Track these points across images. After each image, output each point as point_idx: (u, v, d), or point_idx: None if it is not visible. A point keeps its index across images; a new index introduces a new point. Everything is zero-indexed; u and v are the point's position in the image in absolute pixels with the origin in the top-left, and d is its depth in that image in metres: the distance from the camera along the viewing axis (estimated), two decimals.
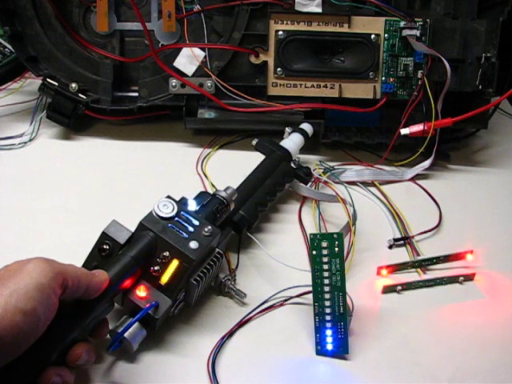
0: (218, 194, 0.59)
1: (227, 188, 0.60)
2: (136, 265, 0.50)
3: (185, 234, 0.53)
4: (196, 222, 0.54)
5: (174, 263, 0.51)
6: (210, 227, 0.54)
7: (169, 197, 0.55)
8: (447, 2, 0.75)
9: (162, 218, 0.53)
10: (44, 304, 0.42)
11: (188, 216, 0.54)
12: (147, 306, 0.50)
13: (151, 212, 0.53)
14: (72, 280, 0.44)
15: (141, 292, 0.51)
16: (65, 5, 0.80)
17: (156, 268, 0.51)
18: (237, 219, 0.62)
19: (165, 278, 0.51)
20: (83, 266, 0.51)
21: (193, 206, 0.57)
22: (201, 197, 0.60)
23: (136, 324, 0.50)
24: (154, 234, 0.52)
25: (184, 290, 0.53)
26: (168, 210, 0.54)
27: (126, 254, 0.50)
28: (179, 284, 0.51)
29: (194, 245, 0.52)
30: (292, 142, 0.74)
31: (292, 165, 0.72)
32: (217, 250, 0.56)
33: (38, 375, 0.43)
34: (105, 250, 0.51)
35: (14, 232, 0.66)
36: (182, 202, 0.57)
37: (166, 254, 0.51)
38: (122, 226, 0.53)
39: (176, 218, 0.54)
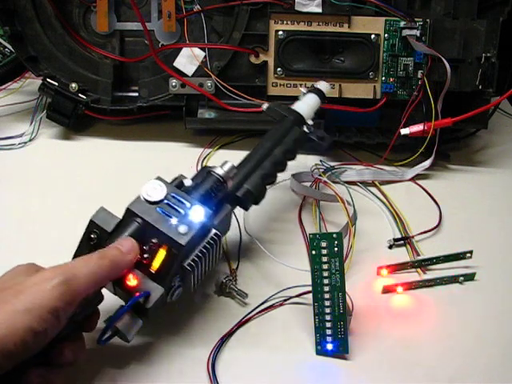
0: (213, 172, 0.56)
1: (224, 164, 0.56)
2: None
3: (174, 218, 0.50)
4: (187, 204, 0.51)
5: (163, 249, 0.49)
6: (200, 209, 0.51)
7: (159, 178, 0.52)
8: (447, 2, 0.75)
9: (150, 202, 0.50)
10: (55, 326, 0.42)
11: (178, 198, 0.51)
12: (136, 295, 0.48)
13: (139, 196, 0.51)
14: (87, 294, 0.44)
15: (131, 281, 0.49)
16: (65, 5, 0.80)
17: (145, 255, 0.49)
18: (241, 194, 0.58)
19: (155, 266, 0.49)
20: (74, 256, 0.50)
21: (189, 184, 0.55)
22: (199, 174, 0.57)
23: (130, 314, 0.48)
24: (141, 219, 0.50)
25: (179, 276, 0.51)
26: (156, 193, 0.51)
27: (111, 243, 0.48)
28: (170, 270, 0.49)
29: (183, 229, 0.49)
30: (305, 104, 0.68)
31: (305, 129, 0.66)
32: (213, 231, 0.53)
33: (21, 376, 0.42)
34: (92, 239, 0.49)
35: (13, 232, 0.66)
36: (176, 182, 0.54)
37: (155, 240, 0.49)
38: (109, 213, 0.50)
39: (165, 201, 0.51)
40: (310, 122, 0.67)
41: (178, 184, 0.54)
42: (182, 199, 0.51)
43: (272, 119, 0.67)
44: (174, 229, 0.49)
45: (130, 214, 0.50)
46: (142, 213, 0.50)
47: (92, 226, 0.50)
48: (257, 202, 0.60)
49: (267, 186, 0.61)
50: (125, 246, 0.47)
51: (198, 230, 0.50)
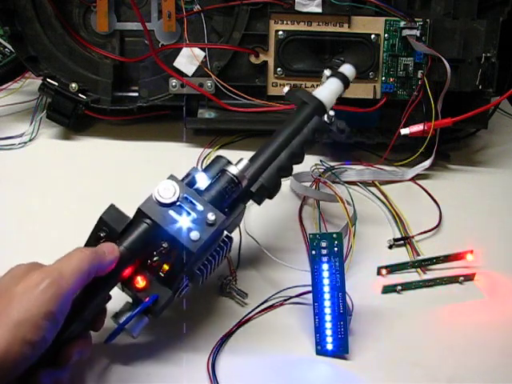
0: (227, 171, 0.53)
1: (239, 162, 0.54)
2: (132, 256, 0.48)
3: (186, 222, 0.49)
4: (200, 207, 0.50)
5: (174, 255, 0.48)
6: (213, 214, 0.49)
7: (172, 177, 0.51)
8: (447, 2, 0.75)
9: (162, 203, 0.49)
10: (54, 329, 0.41)
11: (191, 199, 0.50)
12: (146, 300, 0.48)
13: (151, 196, 0.49)
14: (78, 288, 0.43)
15: (140, 283, 0.48)
16: (65, 5, 0.81)
17: (155, 258, 0.48)
18: (255, 189, 0.55)
19: (165, 269, 0.48)
20: None
21: (202, 180, 0.53)
22: (213, 166, 0.54)
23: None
24: (152, 221, 0.48)
25: (188, 277, 0.50)
26: (169, 195, 0.49)
27: (120, 245, 0.48)
28: (180, 275, 0.49)
29: (194, 236, 0.48)
30: (328, 90, 0.63)
31: (325, 119, 0.62)
32: (225, 233, 0.52)
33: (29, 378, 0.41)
34: (101, 238, 0.48)
35: (13, 232, 0.66)
36: (189, 178, 0.53)
37: (165, 244, 0.48)
38: (120, 211, 0.49)
39: (178, 203, 0.49)
40: (332, 113, 0.62)
41: (190, 181, 0.53)
42: (195, 201, 0.50)
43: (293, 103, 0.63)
44: (185, 234, 0.48)
45: (141, 214, 0.49)
46: (154, 215, 0.49)
47: (101, 223, 0.49)
48: (271, 197, 0.58)
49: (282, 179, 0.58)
50: (105, 247, 0.47)
51: (210, 236, 0.49)
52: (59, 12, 0.80)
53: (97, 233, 0.49)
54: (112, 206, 0.50)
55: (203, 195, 0.51)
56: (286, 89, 0.65)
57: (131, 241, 0.48)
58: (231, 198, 0.53)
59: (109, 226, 0.49)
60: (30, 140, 0.81)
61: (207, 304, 0.58)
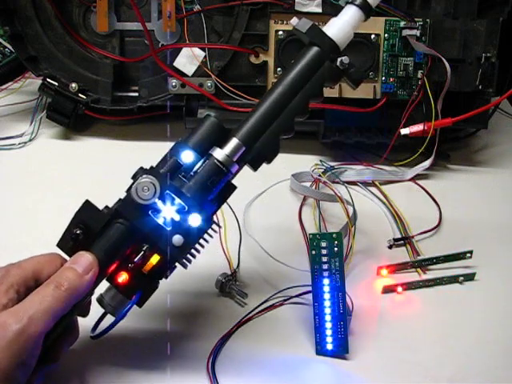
0: (215, 158, 0.48)
1: (227, 143, 0.49)
2: (112, 260, 0.46)
3: (168, 226, 0.46)
4: (183, 205, 0.46)
5: (155, 257, 0.46)
6: (198, 216, 0.46)
7: (150, 171, 0.47)
8: (447, 2, 0.76)
9: (141, 205, 0.45)
10: (27, 373, 0.40)
11: (174, 196, 0.46)
12: (133, 298, 0.46)
13: (129, 195, 0.46)
14: (50, 327, 0.41)
15: (122, 280, 0.46)
16: (65, 5, 0.81)
17: (136, 259, 0.46)
18: (250, 157, 0.49)
19: (147, 268, 0.46)
20: (59, 243, 0.47)
21: (189, 157, 0.48)
22: (202, 128, 0.50)
23: (121, 297, 0.47)
24: (131, 224, 0.46)
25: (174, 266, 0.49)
26: (148, 195, 0.45)
27: (98, 250, 0.45)
28: (164, 272, 0.47)
29: (177, 241, 0.45)
30: (343, 22, 0.50)
31: (338, 64, 0.50)
32: (212, 224, 0.49)
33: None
34: (79, 236, 0.46)
35: (13, 232, 0.66)
36: (170, 163, 0.48)
37: (145, 247, 0.46)
38: (95, 208, 0.47)
39: (159, 202, 0.46)
40: (346, 60, 0.50)
41: (173, 165, 0.48)
42: (178, 199, 0.46)
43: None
44: (167, 239, 0.46)
45: (119, 215, 0.46)
46: (132, 216, 0.46)
47: (77, 220, 0.46)
48: (269, 162, 0.51)
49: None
50: (81, 264, 0.44)
51: (194, 243, 0.47)
52: (59, 12, 0.80)
53: (73, 229, 0.46)
54: (87, 202, 0.47)
55: (186, 185, 0.47)
56: (295, 20, 0.51)
57: (110, 245, 0.46)
58: (219, 187, 0.48)
59: (85, 224, 0.46)
60: (30, 140, 0.81)
61: (207, 304, 0.58)
